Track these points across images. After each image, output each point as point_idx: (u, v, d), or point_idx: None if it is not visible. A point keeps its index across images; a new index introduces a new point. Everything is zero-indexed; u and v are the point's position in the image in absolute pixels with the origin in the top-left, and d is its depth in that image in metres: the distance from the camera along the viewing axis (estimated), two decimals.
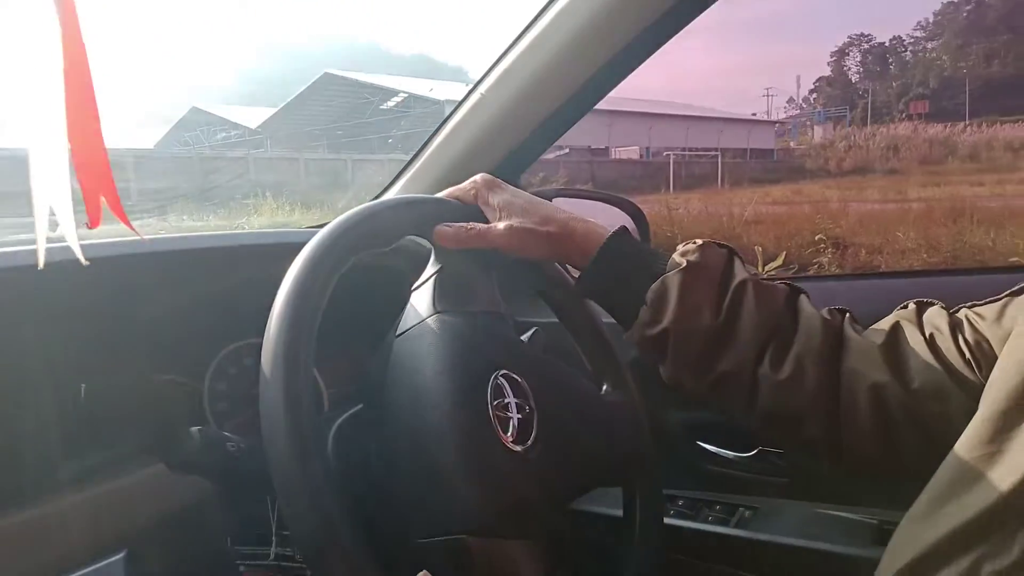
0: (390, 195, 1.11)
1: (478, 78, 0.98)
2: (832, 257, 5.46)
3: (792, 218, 7.25)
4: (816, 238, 5.63)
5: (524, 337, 0.71)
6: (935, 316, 0.57)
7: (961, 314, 0.56)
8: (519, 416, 0.58)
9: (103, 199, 0.34)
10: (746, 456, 0.93)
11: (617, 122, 21.19)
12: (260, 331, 0.50)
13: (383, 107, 24.93)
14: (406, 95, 24.27)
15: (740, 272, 0.61)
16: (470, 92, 0.99)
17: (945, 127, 21.25)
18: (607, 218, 0.99)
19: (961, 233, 6.04)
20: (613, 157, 22.35)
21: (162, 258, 0.79)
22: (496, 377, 0.58)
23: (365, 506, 0.54)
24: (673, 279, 0.60)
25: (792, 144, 28.58)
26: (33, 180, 0.32)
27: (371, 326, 0.88)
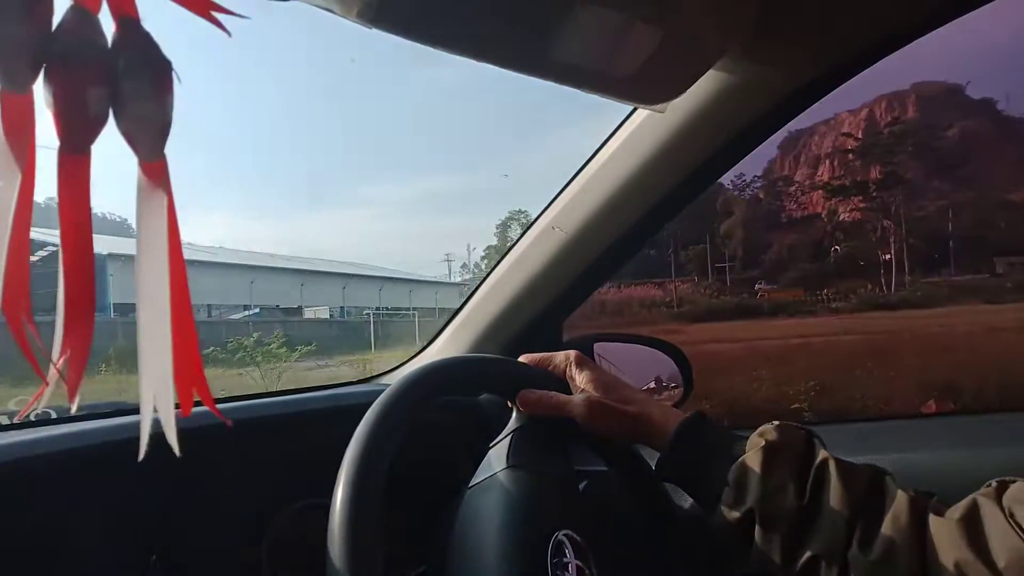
0: (438, 348, 1.16)
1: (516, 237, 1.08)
2: None
3: None
4: None
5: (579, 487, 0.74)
6: (1017, 491, 0.57)
7: None
8: None
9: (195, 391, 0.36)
10: None
11: (310, 281, 21.07)
12: (320, 491, 0.49)
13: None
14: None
15: (820, 452, 0.63)
16: (509, 249, 1.07)
17: None
18: (650, 360, 1.03)
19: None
20: (306, 316, 21.93)
21: (228, 429, 0.78)
22: (557, 535, 0.59)
23: None
24: (754, 459, 0.61)
25: None
26: (142, 375, 0.33)
27: (423, 483, 0.87)
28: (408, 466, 0.66)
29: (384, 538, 0.90)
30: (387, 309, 21.27)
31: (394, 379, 0.61)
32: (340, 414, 0.84)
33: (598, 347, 0.99)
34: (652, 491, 0.74)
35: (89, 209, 0.33)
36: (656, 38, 0.68)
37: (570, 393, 0.70)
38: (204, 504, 0.78)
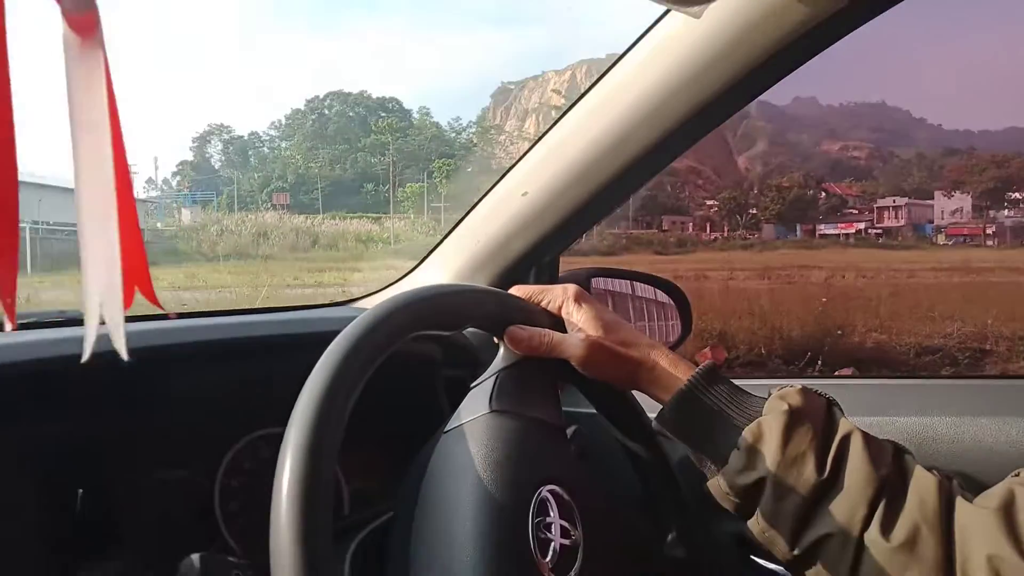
0: (423, 274, 1.06)
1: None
2: None
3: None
4: None
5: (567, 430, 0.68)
6: None
7: None
8: (563, 541, 0.53)
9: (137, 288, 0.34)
10: None
11: None
12: (283, 419, 0.44)
13: None
14: None
15: (842, 423, 0.57)
16: (508, 171, 0.96)
17: (306, 218, 24.39)
18: (649, 298, 1.00)
19: None
20: None
21: (187, 348, 0.74)
22: (542, 492, 0.55)
23: None
24: (773, 423, 0.55)
25: (159, 225, 27.89)
26: (85, 275, 0.29)
27: (395, 416, 0.81)
28: (381, 402, 0.61)
29: (344, 477, 0.84)
30: (48, 224, 17.74)
31: (373, 304, 0.52)
32: (308, 340, 0.77)
33: (595, 282, 0.93)
34: (646, 443, 0.69)
35: (11, 111, 0.26)
36: None
37: (566, 332, 0.62)
38: (152, 434, 0.71)
